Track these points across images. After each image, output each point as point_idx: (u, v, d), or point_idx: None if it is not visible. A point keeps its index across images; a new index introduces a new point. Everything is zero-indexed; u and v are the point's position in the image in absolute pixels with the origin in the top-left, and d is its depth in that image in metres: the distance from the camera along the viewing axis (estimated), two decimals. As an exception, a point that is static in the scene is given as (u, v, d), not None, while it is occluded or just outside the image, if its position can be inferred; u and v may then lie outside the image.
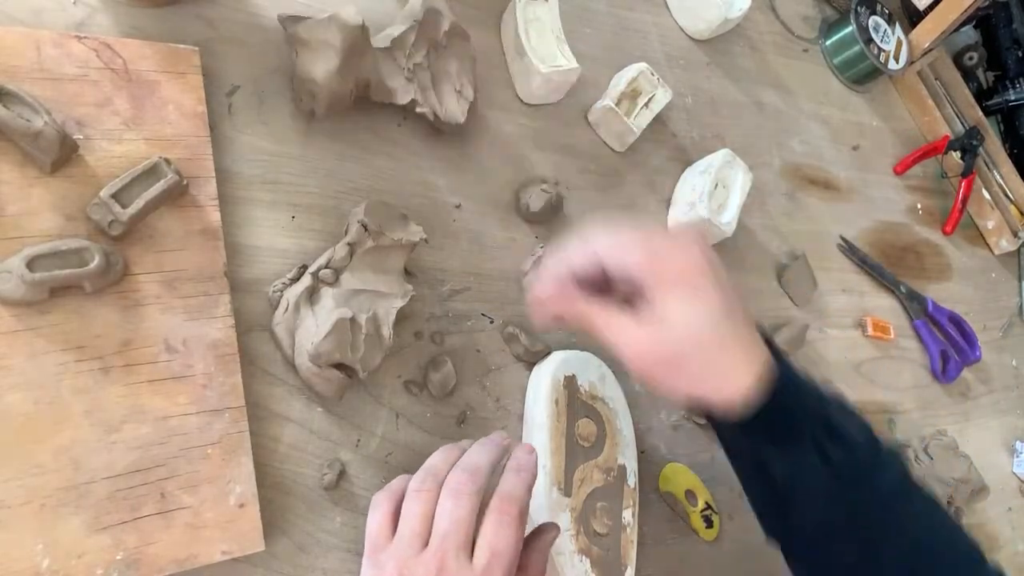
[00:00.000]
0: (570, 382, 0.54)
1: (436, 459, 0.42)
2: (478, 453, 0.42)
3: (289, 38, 0.50)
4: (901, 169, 0.95)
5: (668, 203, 0.70)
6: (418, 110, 0.55)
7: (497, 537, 0.38)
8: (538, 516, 0.50)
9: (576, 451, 0.52)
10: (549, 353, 0.56)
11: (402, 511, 0.40)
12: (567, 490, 0.51)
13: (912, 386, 0.82)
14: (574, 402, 0.53)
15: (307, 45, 0.50)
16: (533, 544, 0.42)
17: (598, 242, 0.40)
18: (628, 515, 0.53)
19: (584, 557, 0.50)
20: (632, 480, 0.54)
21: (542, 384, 0.53)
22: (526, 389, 0.55)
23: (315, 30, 0.49)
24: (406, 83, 0.55)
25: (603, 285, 0.41)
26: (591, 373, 0.56)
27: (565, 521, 0.50)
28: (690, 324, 0.38)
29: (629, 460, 0.55)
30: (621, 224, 0.40)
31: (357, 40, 0.49)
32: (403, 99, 0.54)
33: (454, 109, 0.57)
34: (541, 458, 0.51)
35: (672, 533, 0.58)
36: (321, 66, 0.49)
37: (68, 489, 0.38)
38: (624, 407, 0.57)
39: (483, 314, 0.55)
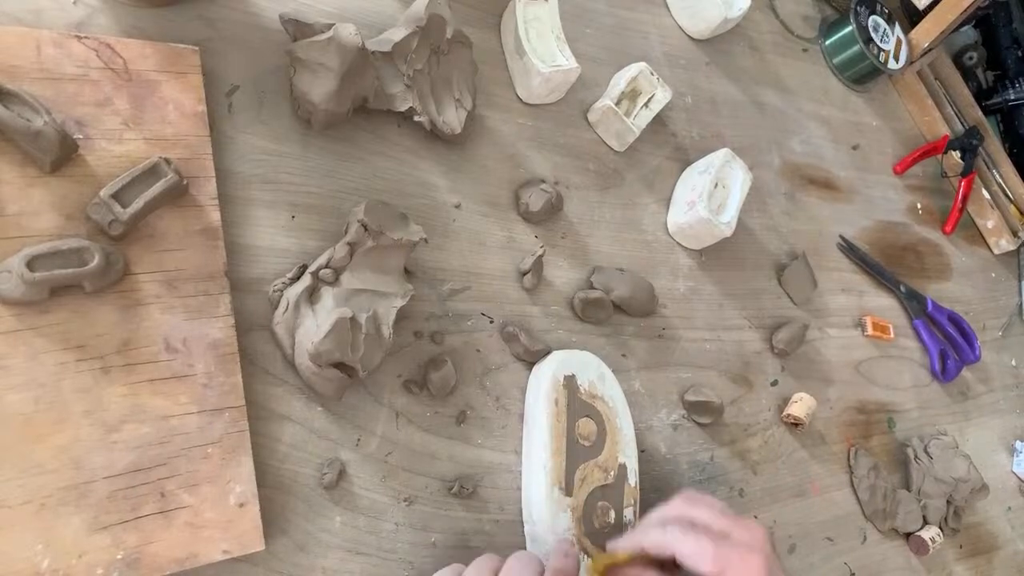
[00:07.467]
0: (570, 381, 0.54)
1: None
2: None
3: (286, 54, 0.50)
4: (901, 169, 0.95)
5: (668, 203, 0.71)
6: (416, 119, 0.55)
7: None
8: (539, 516, 0.50)
9: (576, 450, 0.52)
10: (549, 353, 0.56)
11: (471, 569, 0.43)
12: (568, 489, 0.51)
13: (912, 386, 0.82)
14: (574, 401, 0.53)
15: (305, 65, 0.49)
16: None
17: (676, 545, 0.43)
18: (629, 514, 0.53)
19: (586, 557, 0.50)
20: (633, 479, 0.54)
21: (542, 383, 0.53)
22: (526, 389, 0.55)
23: (313, 51, 0.48)
24: (405, 90, 0.54)
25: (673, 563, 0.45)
26: (591, 372, 0.56)
27: (566, 520, 0.50)
28: None
29: (630, 459, 0.55)
30: (696, 517, 0.45)
31: (355, 61, 0.49)
32: (401, 106, 0.54)
33: (452, 118, 0.57)
34: (541, 458, 0.51)
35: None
36: (318, 88, 0.49)
37: (68, 489, 0.38)
38: (624, 406, 0.57)
39: (483, 314, 0.56)
